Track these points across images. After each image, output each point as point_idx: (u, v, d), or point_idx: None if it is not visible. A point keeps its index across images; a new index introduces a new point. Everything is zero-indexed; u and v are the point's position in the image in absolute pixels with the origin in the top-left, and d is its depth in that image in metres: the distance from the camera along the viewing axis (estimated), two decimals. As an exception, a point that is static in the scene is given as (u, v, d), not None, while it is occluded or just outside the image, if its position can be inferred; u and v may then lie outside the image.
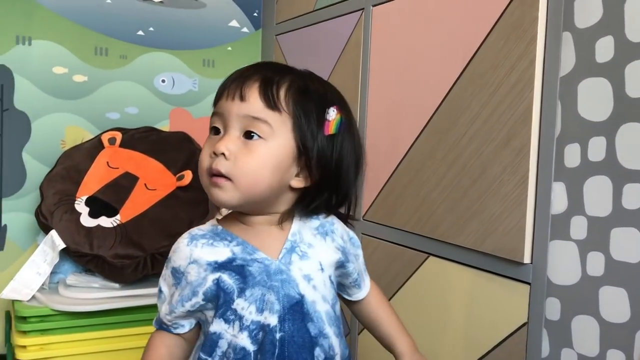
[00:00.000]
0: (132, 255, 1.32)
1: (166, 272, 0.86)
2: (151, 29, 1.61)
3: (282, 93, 0.79)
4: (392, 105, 1.17)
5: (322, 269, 0.84)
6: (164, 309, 0.85)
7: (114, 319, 1.29)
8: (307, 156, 0.79)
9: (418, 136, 1.10)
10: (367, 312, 0.94)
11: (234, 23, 1.71)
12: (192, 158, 1.48)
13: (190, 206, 1.40)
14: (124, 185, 1.41)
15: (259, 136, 0.77)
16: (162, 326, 0.86)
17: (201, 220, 1.36)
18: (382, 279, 1.18)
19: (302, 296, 0.82)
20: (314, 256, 0.84)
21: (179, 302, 0.84)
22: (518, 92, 0.90)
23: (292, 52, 1.57)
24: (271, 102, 0.78)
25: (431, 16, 1.08)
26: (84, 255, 1.31)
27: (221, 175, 0.77)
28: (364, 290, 0.92)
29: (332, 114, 0.80)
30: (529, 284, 0.90)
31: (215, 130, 0.81)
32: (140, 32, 1.60)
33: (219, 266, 0.81)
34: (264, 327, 0.81)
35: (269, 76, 0.80)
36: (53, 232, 1.31)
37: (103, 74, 1.56)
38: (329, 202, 0.84)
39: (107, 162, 1.43)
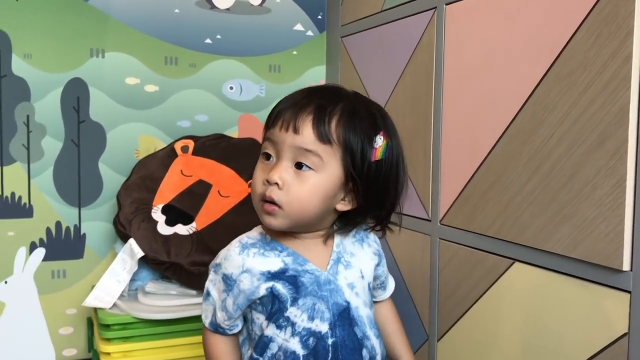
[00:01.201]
0: (208, 261, 1.31)
1: (216, 278, 0.91)
2: (218, 36, 1.62)
3: (333, 125, 0.81)
4: (470, 107, 1.14)
5: (362, 276, 0.91)
6: (219, 316, 0.90)
7: (191, 326, 1.31)
8: (354, 183, 0.83)
9: (499, 139, 1.06)
10: (382, 318, 0.99)
11: (298, 27, 1.71)
12: (263, 164, 1.48)
13: (263, 212, 1.40)
14: (198, 192, 1.43)
15: (309, 167, 0.81)
16: (218, 329, 0.91)
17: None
18: (462, 285, 1.15)
19: (348, 303, 0.88)
20: (356, 264, 0.91)
21: (236, 309, 0.88)
22: (612, 91, 0.86)
23: (358, 54, 1.56)
24: (323, 136, 0.81)
25: (511, 13, 1.04)
26: (161, 262, 1.33)
27: (274, 202, 0.82)
28: (388, 291, 1.00)
29: (379, 141, 0.83)
30: (629, 292, 0.85)
31: (266, 156, 0.85)
32: (208, 40, 1.61)
33: (272, 276, 0.86)
34: (314, 334, 0.86)
35: (322, 106, 0.82)
36: (132, 241, 1.34)
37: (173, 83, 1.58)
38: (379, 215, 0.89)
39: (181, 170, 1.45)
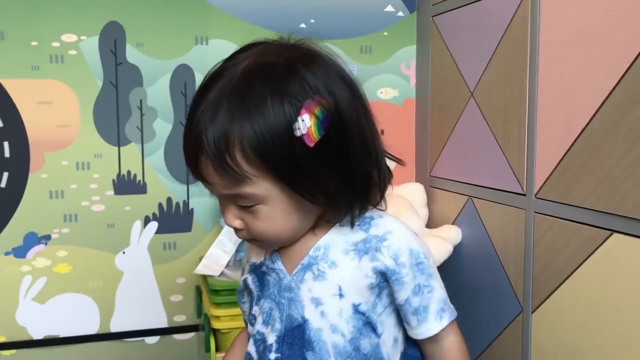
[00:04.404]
0: (307, 235, 1.41)
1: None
2: (312, 20, 1.68)
3: (238, 157, 0.64)
4: (567, 80, 1.14)
5: (340, 295, 0.72)
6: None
7: (293, 294, 1.39)
8: (309, 182, 0.67)
9: (597, 110, 1.06)
10: None
11: (389, 8, 1.74)
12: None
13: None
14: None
15: (253, 205, 0.68)
16: (245, 322, 0.87)
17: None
18: (557, 258, 1.16)
19: (304, 320, 0.73)
20: (332, 278, 0.73)
21: (239, 299, 0.87)
22: None
23: (450, 33, 1.57)
24: (235, 177, 0.65)
25: (610, -16, 1.03)
26: (264, 235, 1.42)
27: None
28: (416, 332, 0.75)
29: (305, 123, 0.63)
30: None
31: None
32: (303, 25, 1.68)
33: (253, 268, 0.80)
34: (264, 342, 0.76)
35: (208, 137, 0.63)
36: (237, 214, 1.43)
37: (271, 67, 1.66)
38: (357, 193, 0.71)
39: (280, 149, 1.53)
